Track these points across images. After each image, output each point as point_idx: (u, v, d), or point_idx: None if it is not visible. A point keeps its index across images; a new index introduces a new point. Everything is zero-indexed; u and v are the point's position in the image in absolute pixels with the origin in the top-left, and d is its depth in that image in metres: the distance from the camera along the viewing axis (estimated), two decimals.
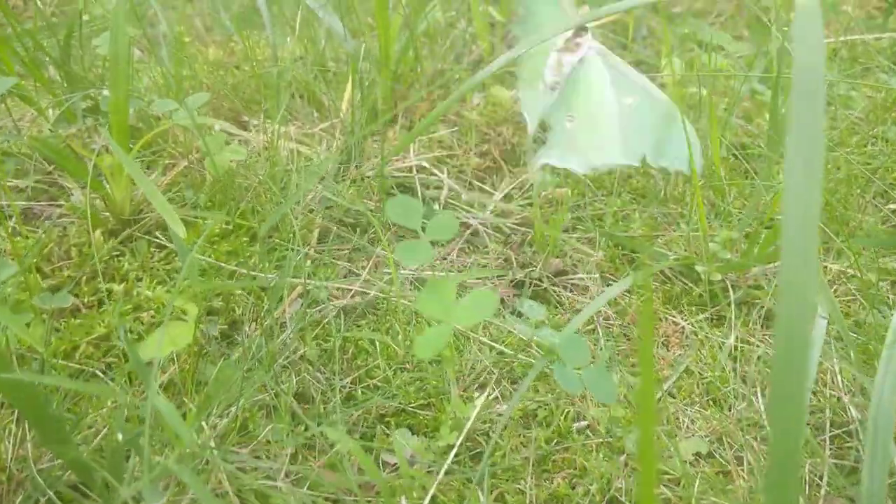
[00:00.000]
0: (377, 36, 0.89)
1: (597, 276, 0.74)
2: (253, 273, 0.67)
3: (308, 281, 0.69)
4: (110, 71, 0.59)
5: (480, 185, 0.88)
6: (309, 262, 0.73)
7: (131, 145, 0.78)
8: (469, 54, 1.09)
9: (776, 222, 0.68)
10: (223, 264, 0.67)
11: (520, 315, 0.69)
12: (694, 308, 0.72)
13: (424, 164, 0.89)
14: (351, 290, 0.70)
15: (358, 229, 0.80)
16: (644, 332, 0.31)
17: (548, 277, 0.75)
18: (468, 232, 0.82)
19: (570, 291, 0.74)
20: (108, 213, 0.67)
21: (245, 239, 0.72)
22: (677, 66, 0.93)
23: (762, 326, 0.70)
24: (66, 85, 0.74)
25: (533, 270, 0.75)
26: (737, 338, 0.68)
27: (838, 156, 0.86)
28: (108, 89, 0.60)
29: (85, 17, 0.95)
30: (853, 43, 1.09)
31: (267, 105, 0.85)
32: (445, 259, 0.78)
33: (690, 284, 0.74)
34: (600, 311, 0.72)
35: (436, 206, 0.85)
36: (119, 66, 0.59)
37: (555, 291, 0.73)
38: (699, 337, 0.69)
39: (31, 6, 0.87)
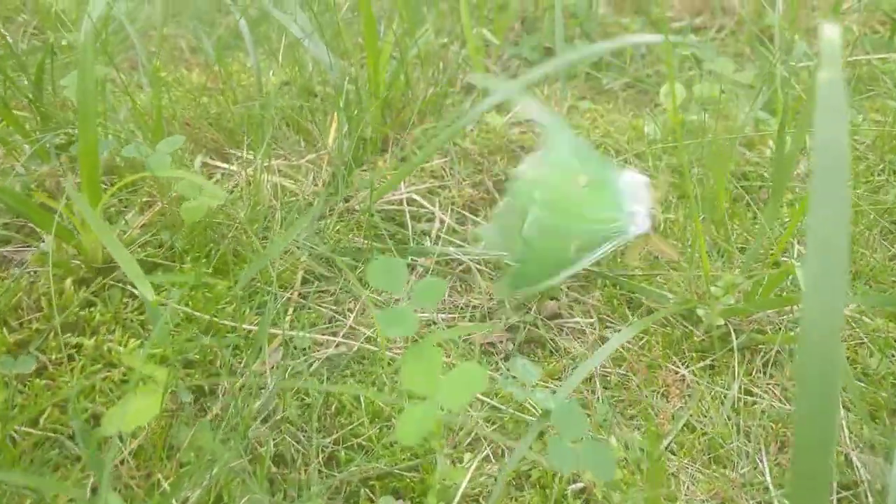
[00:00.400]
0: (366, 62, 0.86)
1: (594, 320, 0.71)
2: (231, 324, 0.64)
3: (289, 332, 0.66)
4: (79, 115, 0.56)
5: (473, 217, 0.85)
6: (292, 307, 0.70)
7: (105, 184, 0.74)
8: (463, 76, 1.05)
9: (784, 264, 0.64)
10: (199, 314, 0.64)
11: (511, 371, 0.66)
12: (695, 354, 0.69)
13: (415, 196, 0.85)
14: (335, 340, 0.67)
15: (344, 269, 0.76)
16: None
17: (542, 321, 0.72)
18: (459, 269, 0.78)
19: (566, 336, 0.71)
20: (79, 261, 0.64)
21: (226, 284, 0.69)
22: (679, 91, 0.90)
23: (765, 374, 0.67)
24: (38, 121, 0.71)
25: (527, 312, 0.72)
26: (740, 388, 0.65)
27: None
28: (78, 133, 0.57)
29: (64, 42, 0.92)
30: (857, 62, 1.06)
31: (250, 138, 0.82)
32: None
33: (690, 327, 0.71)
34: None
35: (427, 242, 0.82)
36: (87, 110, 0.55)
37: (550, 337, 0.70)
38: (700, 387, 0.65)
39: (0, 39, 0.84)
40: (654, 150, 0.89)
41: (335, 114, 0.86)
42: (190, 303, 0.66)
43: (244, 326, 0.65)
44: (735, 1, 1.35)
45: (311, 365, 0.65)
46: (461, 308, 0.74)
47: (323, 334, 0.69)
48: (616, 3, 1.37)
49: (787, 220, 0.76)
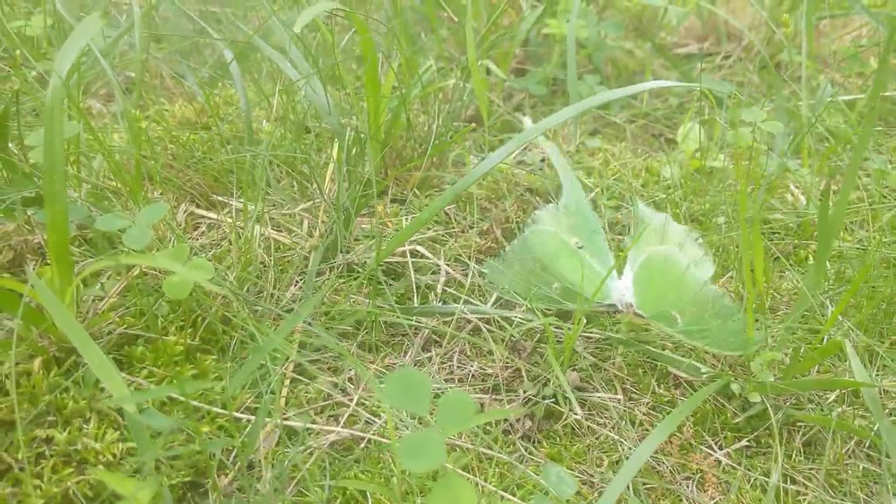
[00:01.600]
0: (366, 104, 0.79)
1: (619, 395, 0.65)
2: (218, 410, 0.58)
3: (287, 419, 0.59)
4: (44, 183, 0.49)
5: (481, 269, 0.79)
6: (287, 381, 0.64)
7: (79, 245, 0.67)
8: (466, 110, 0.99)
9: (830, 340, 0.59)
10: (184, 398, 0.57)
11: (545, 480, 0.60)
12: (729, 433, 0.63)
13: (418, 247, 0.79)
14: (338, 422, 0.61)
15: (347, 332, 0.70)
16: None
17: (563, 394, 0.66)
18: (468, 328, 0.72)
19: (589, 410, 0.65)
20: (49, 339, 0.57)
21: (213, 358, 0.62)
22: (695, 131, 0.85)
23: (807, 457, 0.61)
24: (3, 174, 0.64)
25: (545, 384, 0.66)
26: (782, 474, 0.59)
27: (872, 239, 0.78)
28: (44, 202, 0.50)
29: (34, 73, 0.85)
30: (888, 98, 1.01)
31: (240, 191, 0.75)
32: (445, 366, 0.69)
33: (723, 401, 0.65)
34: (624, 437, 0.63)
35: (431, 297, 0.76)
36: (54, 178, 0.49)
37: (571, 413, 0.64)
38: (738, 473, 0.60)
39: None
40: (673, 197, 0.84)
41: (334, 158, 0.79)
42: (175, 381, 0.59)
43: (235, 414, 0.59)
44: (741, 26, 1.30)
45: (311, 453, 0.58)
46: (473, 378, 0.68)
47: (322, 411, 0.62)
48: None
49: (832, 291, 0.70)
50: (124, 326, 0.62)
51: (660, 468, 0.61)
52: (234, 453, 0.57)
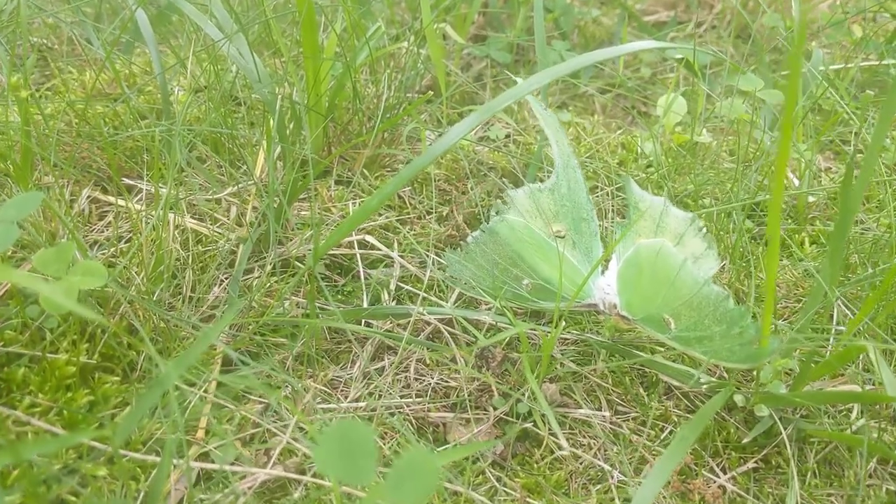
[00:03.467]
0: (304, 69, 0.68)
1: (605, 412, 0.56)
2: (116, 450, 0.46)
3: (202, 454, 0.48)
4: None
5: (440, 260, 0.68)
6: (208, 407, 0.52)
7: None
8: (420, 80, 0.88)
9: (850, 344, 0.50)
10: (71, 434, 0.46)
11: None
12: (734, 454, 0.54)
13: (367, 237, 0.68)
14: (269, 457, 0.50)
15: (272, 342, 0.59)
16: None
17: (541, 415, 0.56)
18: (427, 332, 0.62)
19: (570, 429, 0.56)
20: None
21: (115, 379, 0.51)
22: (679, 103, 0.75)
23: (823, 479, 0.53)
24: None
25: (519, 400, 0.56)
26: (798, 502, 0.51)
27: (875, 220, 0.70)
28: None
29: None
30: (870, 68, 0.93)
31: (150, 174, 0.63)
32: (400, 377, 0.59)
33: (723, 414, 0.56)
34: (612, 461, 0.53)
35: (384, 295, 0.65)
36: None
37: (549, 434, 0.55)
38: (748, 503, 0.51)
39: None
40: (654, 176, 0.74)
41: (265, 135, 0.67)
42: (64, 409, 0.47)
43: (135, 455, 0.47)
44: None
45: (235, 497, 0.47)
46: (434, 392, 0.58)
47: (252, 440, 0.51)
48: None
49: (849, 286, 0.62)
50: (2, 343, 0.50)
51: (656, 500, 0.51)
52: (139, 500, 0.46)
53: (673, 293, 0.51)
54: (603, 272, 0.58)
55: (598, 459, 0.53)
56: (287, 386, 0.56)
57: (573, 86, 0.94)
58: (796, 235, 0.72)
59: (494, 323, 0.61)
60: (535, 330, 0.60)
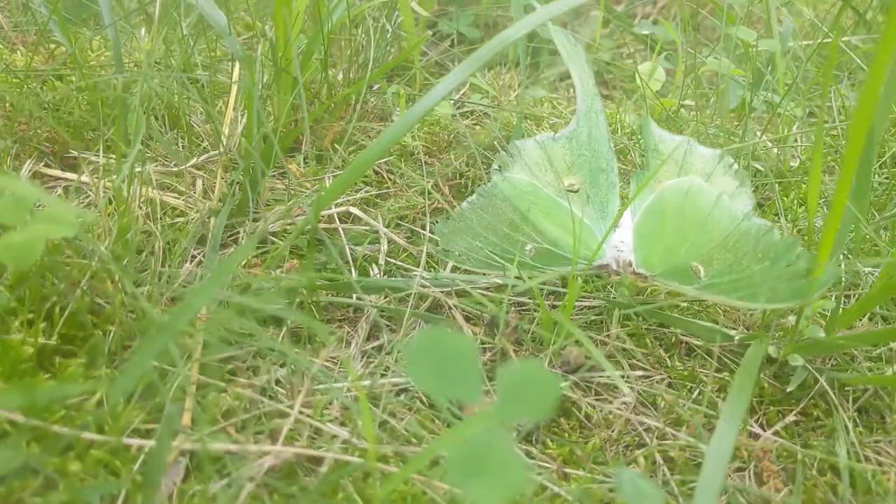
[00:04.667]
0: (273, 31, 0.62)
1: (630, 372, 0.51)
2: (94, 437, 0.39)
3: (195, 442, 0.41)
4: None
5: (429, 234, 0.63)
6: (194, 388, 0.45)
7: None
8: (392, 52, 0.83)
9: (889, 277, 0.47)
10: (43, 423, 0.38)
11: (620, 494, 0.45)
12: (772, 408, 0.50)
13: (351, 209, 0.63)
14: (274, 440, 0.43)
15: (264, 317, 0.52)
16: None
17: (563, 376, 0.51)
18: (426, 305, 0.56)
19: (595, 395, 0.51)
20: None
21: (79, 362, 0.43)
22: (661, 73, 0.73)
23: (866, 428, 0.50)
24: None
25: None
26: (850, 452, 0.47)
27: None
28: None
29: None
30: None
31: (108, 134, 0.56)
32: (400, 357, 0.53)
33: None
34: (648, 425, 0.49)
35: (374, 270, 0.59)
36: None
37: (575, 400, 0.50)
38: (798, 457, 0.47)
39: None
40: (640, 144, 0.71)
41: (231, 100, 0.61)
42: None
43: (123, 440, 0.40)
44: None
45: (238, 488, 0.40)
46: None
47: (245, 427, 0.44)
48: None
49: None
50: None
51: (699, 460, 0.47)
52: (121, 499, 0.38)
53: (704, 235, 0.47)
54: (615, 227, 0.54)
55: (632, 424, 0.49)
56: (281, 366, 0.49)
57: (538, 67, 0.92)
58: (784, 197, 0.70)
59: (499, 290, 0.57)
60: (543, 288, 0.55)
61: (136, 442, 0.40)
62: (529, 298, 0.57)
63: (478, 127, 0.73)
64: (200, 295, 0.30)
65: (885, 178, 0.65)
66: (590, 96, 0.50)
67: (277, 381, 0.49)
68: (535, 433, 0.48)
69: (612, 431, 0.49)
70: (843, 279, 0.51)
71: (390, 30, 0.76)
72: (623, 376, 0.52)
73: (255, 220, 0.59)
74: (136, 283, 0.48)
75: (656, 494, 0.33)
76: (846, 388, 0.52)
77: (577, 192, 0.52)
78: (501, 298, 0.55)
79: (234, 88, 0.66)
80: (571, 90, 0.84)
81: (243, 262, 0.54)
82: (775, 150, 0.70)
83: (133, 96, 0.52)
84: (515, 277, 0.53)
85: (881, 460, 0.47)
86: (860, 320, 0.53)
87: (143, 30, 0.68)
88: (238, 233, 0.58)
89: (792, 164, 0.72)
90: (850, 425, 0.49)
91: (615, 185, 0.51)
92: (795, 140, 0.72)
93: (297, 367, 0.49)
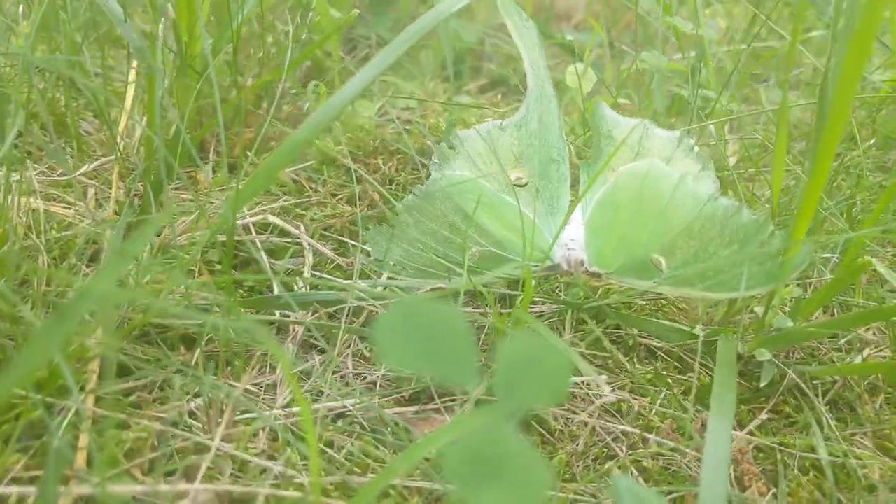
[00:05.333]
0: (176, 21, 0.55)
1: (589, 378, 0.47)
2: None
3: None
4: None
5: (354, 242, 0.57)
6: (89, 423, 0.37)
7: None
8: (308, 60, 0.77)
9: (851, 262, 0.45)
10: None
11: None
12: (741, 407, 0.47)
13: (270, 216, 0.56)
14: (189, 479, 0.36)
15: (171, 340, 0.45)
16: None
17: None
18: (362, 318, 0.50)
19: (557, 406, 0.46)
20: None
21: None
22: (591, 75, 0.70)
23: (839, 422, 0.47)
24: None
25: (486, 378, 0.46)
26: (828, 448, 0.44)
27: None
28: None
29: None
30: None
31: None
32: (335, 377, 0.46)
33: (713, 366, 0.49)
34: (614, 433, 0.44)
35: (299, 285, 0.53)
36: None
37: (534, 411, 0.45)
38: (777, 457, 0.43)
39: None
40: (577, 142, 0.68)
41: (127, 100, 0.54)
42: None
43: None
44: None
45: None
46: (382, 388, 0.46)
47: (153, 468, 0.37)
48: None
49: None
50: None
51: (676, 465, 0.43)
52: None
53: (666, 223, 0.44)
54: (564, 224, 0.50)
55: (598, 434, 0.44)
56: (196, 395, 0.42)
57: (462, 77, 0.88)
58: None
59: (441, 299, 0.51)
60: (493, 292, 0.50)
61: (14, 490, 0.32)
62: (475, 308, 0.52)
63: (405, 132, 0.68)
64: (98, 284, 0.24)
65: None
66: (541, 79, 0.46)
67: (192, 413, 0.42)
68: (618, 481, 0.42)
69: (578, 444, 0.44)
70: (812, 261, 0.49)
71: (305, 34, 0.70)
72: (583, 383, 0.47)
73: (157, 235, 0.52)
74: (13, 304, 0.40)
75: (660, 499, 0.28)
76: (814, 381, 0.49)
77: (525, 185, 0.48)
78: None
79: (132, 90, 0.59)
80: (500, 96, 0.80)
81: (146, 278, 0.46)
82: (711, 145, 0.68)
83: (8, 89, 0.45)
84: (461, 283, 0.48)
85: (861, 453, 0.44)
86: (822, 309, 0.51)
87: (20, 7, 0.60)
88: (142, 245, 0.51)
89: (730, 160, 0.71)
90: (823, 421, 0.46)
91: (567, 177, 0.47)
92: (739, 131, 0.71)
93: (214, 395, 0.42)
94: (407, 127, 0.63)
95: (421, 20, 0.47)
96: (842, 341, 0.51)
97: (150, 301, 0.43)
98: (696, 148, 0.44)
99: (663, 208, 0.43)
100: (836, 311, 0.54)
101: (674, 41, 0.74)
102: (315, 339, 0.49)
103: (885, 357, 0.49)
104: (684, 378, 0.49)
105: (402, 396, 0.46)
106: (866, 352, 0.48)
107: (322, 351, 0.49)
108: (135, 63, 0.60)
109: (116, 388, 0.42)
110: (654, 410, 0.45)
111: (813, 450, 0.44)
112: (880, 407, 0.47)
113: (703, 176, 0.44)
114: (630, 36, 1.00)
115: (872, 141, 0.62)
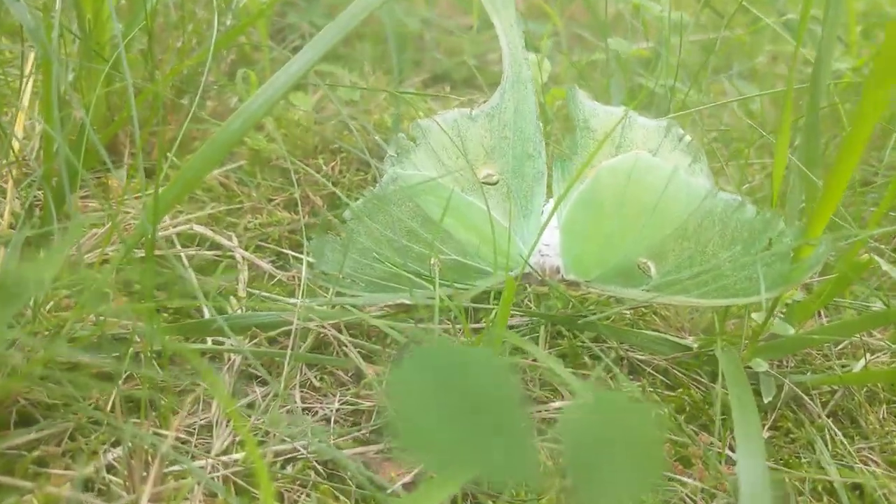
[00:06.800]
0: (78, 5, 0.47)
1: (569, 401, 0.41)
2: None
3: None
4: None
5: (296, 254, 0.50)
6: None
7: None
8: (227, 54, 0.70)
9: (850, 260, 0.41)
10: None
11: None
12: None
13: (195, 226, 0.49)
14: None
15: (82, 380, 0.37)
16: None
17: None
18: (308, 341, 0.44)
19: (539, 436, 0.40)
20: None
21: None
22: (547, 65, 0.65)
23: (845, 436, 0.43)
24: None
25: None
26: (837, 464, 0.40)
27: None
28: None
29: None
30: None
31: None
32: (282, 411, 0.40)
33: (705, 381, 0.45)
34: None
35: (234, 306, 0.46)
36: None
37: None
38: (789, 482, 0.39)
39: None
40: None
41: (27, 89, 0.46)
42: None
43: None
44: None
45: None
46: (337, 424, 0.40)
47: None
48: None
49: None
50: None
51: (674, 499, 0.38)
52: None
53: (655, 223, 0.39)
54: (538, 229, 0.44)
55: None
56: (115, 444, 0.35)
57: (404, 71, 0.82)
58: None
59: (399, 316, 0.45)
60: (464, 306, 0.44)
61: None
62: (440, 324, 0.46)
63: (348, 129, 0.61)
64: None
65: None
66: (518, 61, 0.40)
67: (110, 468, 0.35)
68: (469, 494, 0.36)
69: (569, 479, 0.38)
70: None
71: (230, 20, 0.63)
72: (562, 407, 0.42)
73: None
74: None
75: None
76: (812, 392, 0.45)
77: (495, 184, 0.42)
78: (408, 326, 0.43)
79: (29, 84, 0.51)
80: (448, 88, 0.74)
81: (48, 304, 0.38)
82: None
83: None
84: (426, 296, 0.42)
85: (873, 471, 0.40)
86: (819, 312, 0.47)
87: None
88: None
89: None
90: (825, 434, 0.42)
91: (543, 174, 0.42)
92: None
93: (136, 444, 0.34)
94: (351, 123, 0.57)
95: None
96: (839, 347, 0.47)
97: (52, 336, 0.35)
98: (687, 137, 0.40)
99: (653, 206, 0.38)
100: (822, 313, 0.51)
101: (630, 26, 0.70)
102: (255, 368, 0.42)
103: (883, 363, 0.46)
104: (674, 395, 0.44)
105: (361, 434, 0.39)
106: (865, 359, 0.45)
107: (264, 383, 0.42)
108: (34, 54, 0.52)
109: (15, 442, 0.35)
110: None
111: (822, 470, 0.40)
112: (884, 418, 0.44)
113: (694, 171, 0.39)
114: (582, 23, 0.96)
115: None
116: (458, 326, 0.43)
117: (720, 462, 0.39)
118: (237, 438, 0.38)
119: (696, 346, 0.42)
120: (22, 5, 0.42)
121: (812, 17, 0.79)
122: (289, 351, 0.41)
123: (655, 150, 0.40)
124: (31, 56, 0.52)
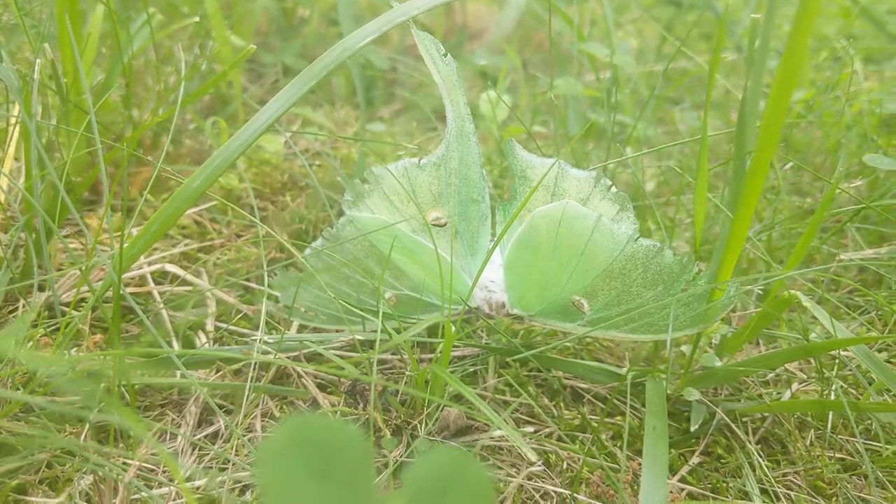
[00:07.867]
0: (58, 51, 0.50)
1: (522, 430, 0.45)
2: None
3: None
4: None
5: (262, 288, 0.54)
6: None
7: None
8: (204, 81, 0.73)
9: (774, 297, 0.44)
10: None
11: None
12: (671, 451, 0.45)
13: (167, 266, 0.52)
14: None
15: (58, 414, 0.41)
16: None
17: (442, 443, 0.43)
18: (269, 376, 0.47)
19: (483, 460, 0.43)
20: None
21: None
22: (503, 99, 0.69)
23: (771, 461, 0.46)
24: None
25: (416, 435, 0.43)
26: (764, 491, 0.43)
27: None
28: None
29: None
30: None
31: None
32: (242, 444, 0.43)
33: (637, 406, 0.48)
34: (544, 490, 0.42)
35: (202, 340, 0.49)
36: None
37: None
38: None
39: None
40: (494, 173, 0.66)
41: (9, 147, 0.49)
42: None
43: None
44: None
45: None
46: None
47: None
48: None
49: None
50: None
51: None
52: None
53: (585, 265, 0.42)
54: (483, 266, 0.48)
55: (527, 491, 0.42)
56: (88, 473, 0.38)
57: (374, 103, 0.85)
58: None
59: (356, 349, 0.48)
60: (412, 340, 0.47)
61: None
62: (393, 354, 0.50)
63: (315, 165, 0.64)
64: None
65: None
66: (461, 117, 0.44)
67: (84, 495, 0.38)
68: None
69: (502, 501, 0.41)
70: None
71: (204, 64, 0.66)
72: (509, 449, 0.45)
73: (41, 290, 0.47)
74: None
75: None
76: (743, 419, 0.48)
77: (444, 226, 0.45)
78: (361, 359, 0.46)
79: (14, 131, 0.54)
80: (414, 123, 0.78)
81: (27, 341, 0.42)
82: (629, 173, 0.67)
83: None
84: (377, 331, 0.45)
85: (793, 496, 0.43)
86: (749, 344, 0.50)
87: None
88: (19, 307, 0.46)
89: (648, 186, 0.70)
90: (753, 460, 0.45)
91: (487, 216, 0.45)
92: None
93: (106, 474, 0.37)
94: (317, 162, 0.60)
95: (330, 52, 0.44)
96: (770, 375, 0.50)
97: (33, 370, 0.38)
98: (614, 188, 0.43)
99: (581, 250, 0.42)
100: (760, 341, 0.54)
101: (587, 63, 0.73)
102: (221, 399, 0.45)
103: (813, 391, 0.49)
104: (613, 422, 0.47)
105: None
106: (794, 387, 0.48)
107: (229, 412, 0.45)
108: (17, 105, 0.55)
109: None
110: (582, 461, 0.43)
111: (746, 495, 0.42)
112: (811, 443, 0.46)
113: (621, 217, 0.42)
114: (543, 56, 1.00)
115: (789, 165, 0.63)
116: (402, 360, 0.47)
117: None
118: (200, 465, 0.41)
119: (629, 377, 0.45)
120: (5, 67, 0.45)
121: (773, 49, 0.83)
122: (248, 383, 0.44)
123: (586, 198, 0.43)
124: (16, 106, 0.55)
